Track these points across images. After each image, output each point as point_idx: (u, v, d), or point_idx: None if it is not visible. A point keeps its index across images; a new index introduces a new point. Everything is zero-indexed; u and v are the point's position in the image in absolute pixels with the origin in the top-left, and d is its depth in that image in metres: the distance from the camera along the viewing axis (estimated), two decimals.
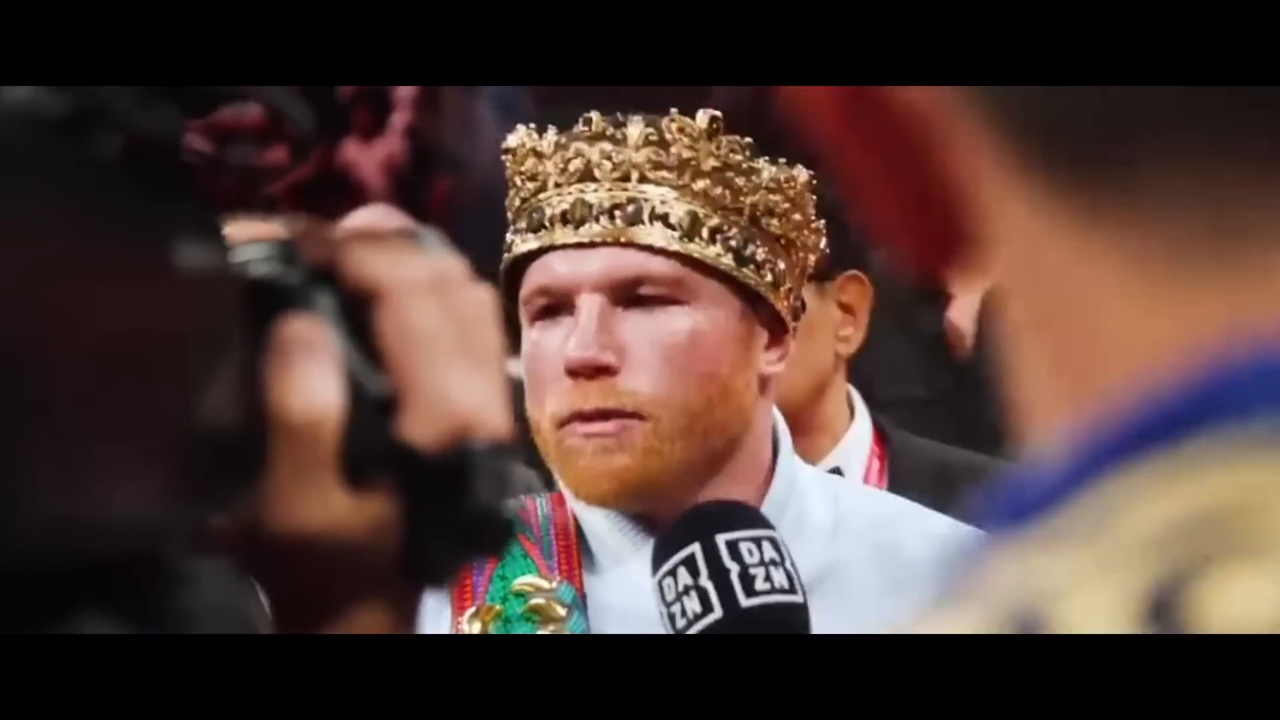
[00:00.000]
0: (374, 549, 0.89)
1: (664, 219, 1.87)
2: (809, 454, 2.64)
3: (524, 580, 1.89)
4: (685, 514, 1.83)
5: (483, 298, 0.94)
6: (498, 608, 1.88)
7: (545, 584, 1.88)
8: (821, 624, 1.81)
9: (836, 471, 2.66)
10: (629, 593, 1.86)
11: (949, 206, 0.56)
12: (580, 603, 1.87)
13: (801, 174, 1.95)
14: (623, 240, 1.87)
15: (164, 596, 0.81)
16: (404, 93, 9.53)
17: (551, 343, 1.88)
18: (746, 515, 1.82)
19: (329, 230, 0.93)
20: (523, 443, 0.92)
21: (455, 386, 0.89)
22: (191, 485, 0.80)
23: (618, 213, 1.87)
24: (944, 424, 2.88)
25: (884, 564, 1.91)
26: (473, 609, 1.88)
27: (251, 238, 0.90)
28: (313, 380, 0.86)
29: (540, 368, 1.88)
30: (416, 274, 0.91)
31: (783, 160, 1.94)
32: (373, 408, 0.88)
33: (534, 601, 1.87)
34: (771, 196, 1.92)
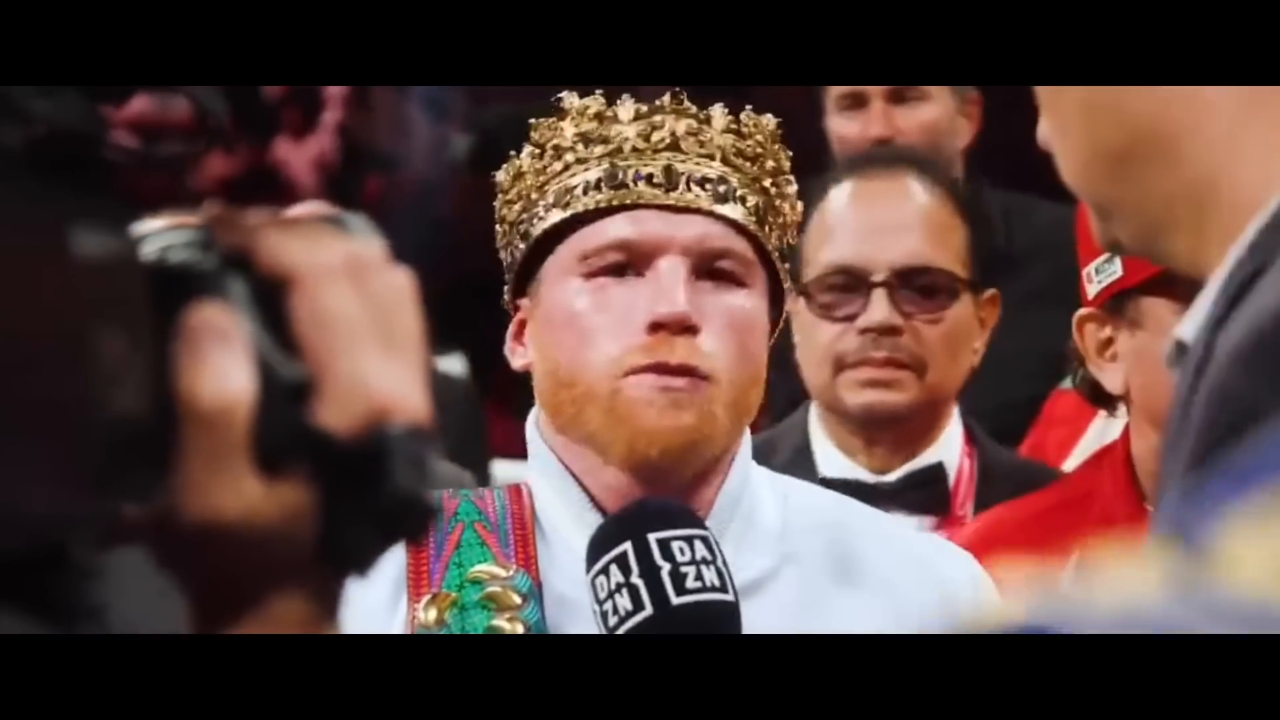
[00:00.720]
0: (290, 537, 0.88)
1: (743, 200, 1.92)
2: (913, 445, 2.74)
3: (480, 568, 1.88)
4: (617, 513, 1.83)
5: (401, 282, 0.93)
6: (454, 595, 1.87)
7: (502, 572, 1.87)
8: (770, 623, 1.81)
9: (938, 466, 2.74)
10: (586, 586, 1.86)
11: None
12: (536, 592, 1.86)
13: (800, 203, 2.00)
14: (715, 212, 1.90)
15: (73, 591, 0.80)
16: (334, 90, 9.51)
17: (614, 299, 1.88)
18: (678, 514, 1.82)
19: (244, 216, 0.91)
20: (434, 431, 0.90)
21: (371, 371, 0.88)
22: (99, 475, 0.79)
23: (708, 185, 1.91)
24: None
25: (835, 564, 1.91)
26: (429, 596, 1.87)
27: (166, 225, 0.89)
28: (223, 367, 0.84)
29: (597, 322, 1.87)
30: (331, 259, 0.90)
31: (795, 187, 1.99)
32: (287, 394, 0.87)
33: (490, 589, 1.86)
34: (793, 213, 1.98)
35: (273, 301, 0.88)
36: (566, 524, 1.90)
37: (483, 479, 4.91)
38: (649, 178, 1.90)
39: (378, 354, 0.89)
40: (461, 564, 1.88)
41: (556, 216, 1.91)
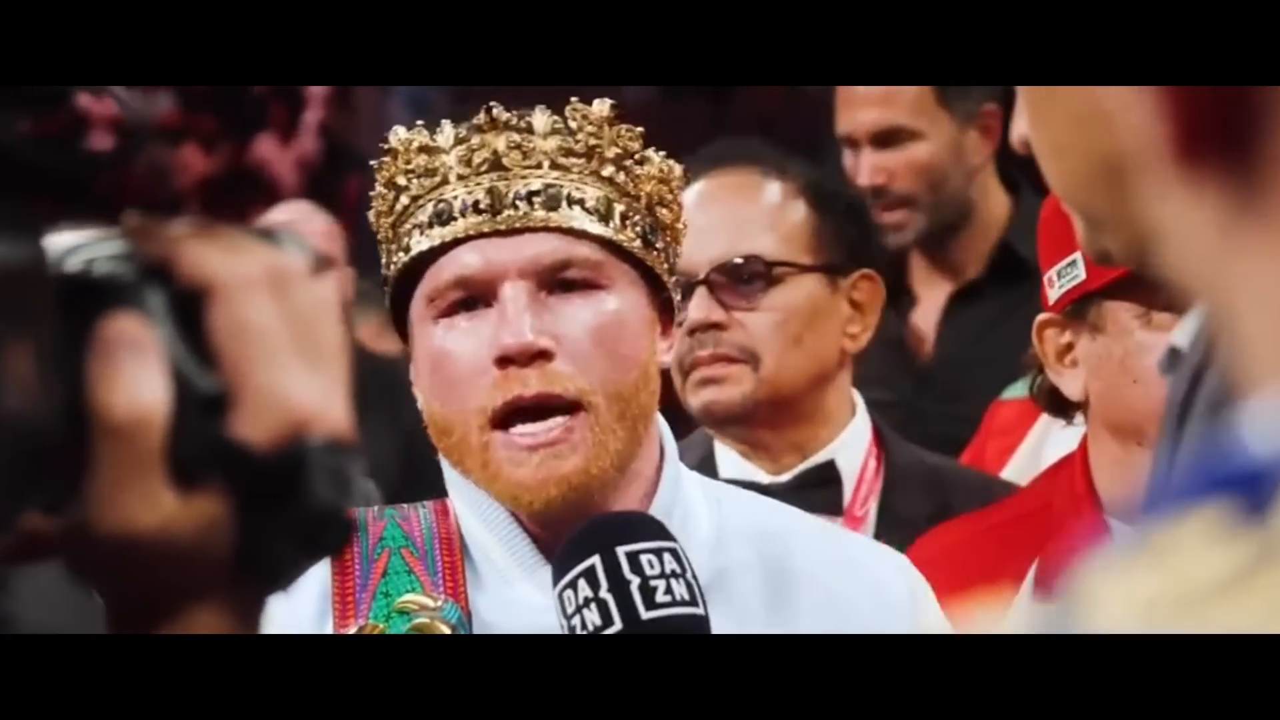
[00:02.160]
0: (207, 550, 0.87)
1: (580, 203, 1.85)
2: (807, 444, 2.67)
3: (408, 598, 1.83)
4: (584, 525, 1.78)
5: (324, 294, 0.92)
6: (381, 626, 1.82)
7: (430, 602, 1.82)
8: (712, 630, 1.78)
9: (830, 465, 2.68)
10: (516, 611, 1.83)
11: None
12: (465, 623, 1.81)
13: (678, 168, 1.93)
14: (548, 225, 1.84)
15: None
16: (316, 91, 9.52)
17: (467, 337, 1.83)
18: (647, 526, 1.78)
19: (164, 226, 0.91)
20: (360, 448, 0.89)
21: (290, 383, 0.87)
22: (7, 486, 0.78)
23: (535, 199, 1.84)
24: (904, 428, 2.88)
25: (770, 573, 1.88)
26: (355, 627, 1.83)
27: (90, 237, 0.88)
28: (136, 378, 0.84)
29: (454, 364, 1.83)
30: (251, 270, 0.89)
31: (662, 153, 1.93)
32: (203, 405, 0.86)
33: (418, 620, 1.80)
34: (661, 187, 1.90)
35: (192, 312, 0.87)
36: (491, 545, 1.87)
37: (392, 496, 4.89)
38: (475, 205, 1.84)
39: (297, 366, 0.88)
40: (389, 593, 1.83)
41: (402, 261, 1.87)
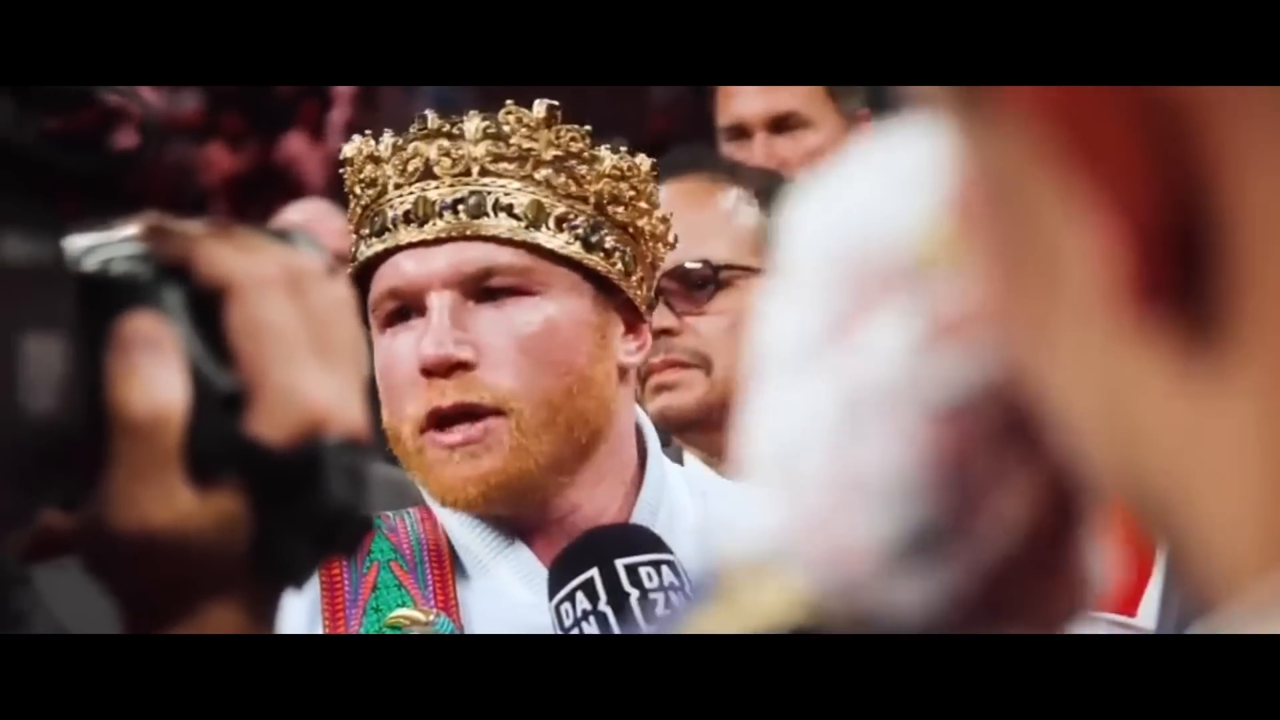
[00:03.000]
0: (222, 547, 0.88)
1: (508, 210, 1.84)
2: None
3: (400, 613, 1.84)
4: (582, 537, 1.79)
5: (340, 294, 0.93)
6: None
7: (422, 617, 1.83)
8: None
9: None
10: (499, 603, 1.83)
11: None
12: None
13: (645, 162, 1.93)
14: (468, 233, 1.84)
15: None
16: (342, 90, 9.54)
17: (403, 347, 1.85)
18: (644, 539, 1.78)
19: (183, 226, 0.91)
20: (371, 441, 0.90)
21: (307, 382, 0.88)
22: (21, 482, 0.79)
23: (460, 207, 1.84)
24: None
25: None
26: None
27: (110, 237, 0.89)
28: (155, 376, 0.84)
29: (394, 374, 1.85)
30: (268, 270, 0.89)
31: (624, 148, 1.92)
32: (220, 404, 0.86)
33: (411, 635, 1.82)
34: (617, 184, 1.89)
35: (209, 311, 0.88)
36: (476, 547, 1.87)
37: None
38: (405, 215, 1.85)
39: (314, 365, 0.88)
40: (379, 608, 1.84)
41: (349, 271, 1.89)
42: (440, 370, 1.81)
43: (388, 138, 1.88)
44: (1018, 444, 0.66)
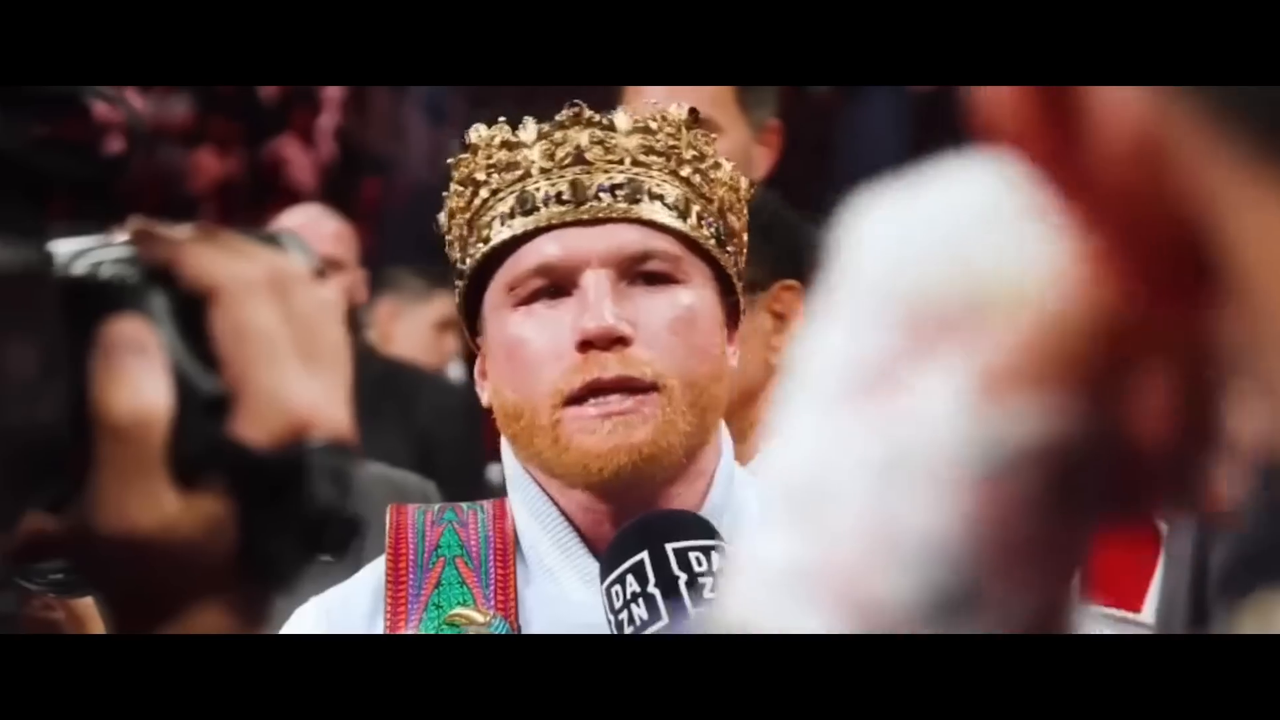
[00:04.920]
0: (209, 549, 0.88)
1: (661, 198, 1.89)
2: (736, 459, 2.65)
3: (459, 612, 1.86)
4: (633, 523, 1.81)
5: (326, 298, 0.93)
6: None
7: (480, 617, 1.85)
8: None
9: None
10: (559, 608, 1.86)
11: (1181, 231, 0.51)
12: None
13: (744, 180, 1.98)
14: (629, 216, 1.88)
15: None
16: (332, 95, 9.54)
17: (546, 324, 1.87)
18: (694, 525, 1.80)
19: (168, 231, 0.92)
20: (356, 444, 0.91)
21: (291, 385, 0.88)
22: (7, 486, 0.79)
23: (618, 191, 1.88)
24: None
25: None
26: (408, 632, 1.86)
27: (95, 241, 0.89)
28: (140, 380, 0.85)
29: (529, 350, 1.87)
30: (254, 273, 0.90)
31: (732, 162, 1.97)
32: (205, 407, 0.87)
33: (467, 634, 1.84)
34: (731, 194, 1.95)
35: (194, 315, 0.88)
36: (545, 546, 1.90)
37: (478, 485, 4.92)
38: (558, 196, 1.89)
39: (299, 368, 0.89)
40: (440, 605, 1.86)
41: (481, 251, 1.91)
42: (602, 342, 1.84)
43: (531, 125, 1.92)
44: (1056, 512, 0.64)
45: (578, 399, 1.84)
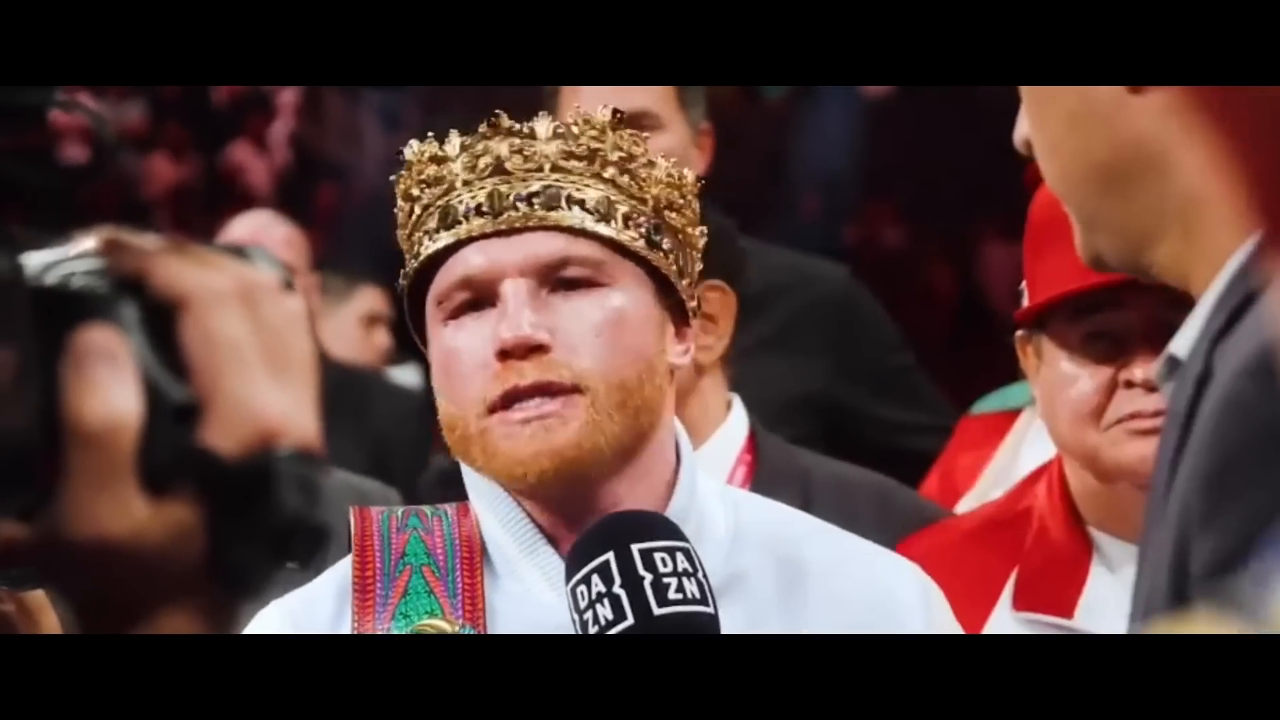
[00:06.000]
0: (177, 556, 0.89)
1: (581, 203, 1.90)
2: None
3: (426, 622, 1.86)
4: (599, 523, 1.83)
5: (294, 308, 0.94)
6: None
7: (448, 627, 1.86)
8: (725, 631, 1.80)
9: None
10: (524, 606, 1.86)
11: None
12: None
13: (690, 175, 1.98)
14: (546, 224, 1.89)
15: None
16: (286, 101, 9.53)
17: (472, 336, 1.89)
18: (660, 525, 1.81)
19: (139, 241, 0.93)
20: (323, 453, 0.92)
21: (259, 394, 0.89)
22: None
23: (535, 199, 1.89)
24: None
25: (785, 578, 1.90)
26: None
27: (67, 251, 0.90)
28: (109, 388, 0.86)
29: (459, 362, 1.89)
30: (223, 284, 0.91)
31: (672, 159, 1.97)
32: (174, 415, 0.88)
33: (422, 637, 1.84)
34: (671, 191, 1.95)
35: (164, 324, 0.89)
36: (510, 549, 1.90)
37: (432, 488, 4.91)
38: (478, 208, 1.90)
39: (267, 377, 0.90)
40: (408, 615, 1.87)
41: (413, 267, 1.94)
42: (519, 352, 1.85)
43: (455, 137, 1.93)
44: None
45: (500, 407, 1.86)
